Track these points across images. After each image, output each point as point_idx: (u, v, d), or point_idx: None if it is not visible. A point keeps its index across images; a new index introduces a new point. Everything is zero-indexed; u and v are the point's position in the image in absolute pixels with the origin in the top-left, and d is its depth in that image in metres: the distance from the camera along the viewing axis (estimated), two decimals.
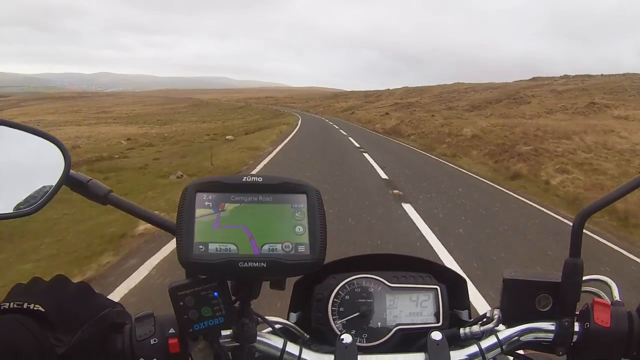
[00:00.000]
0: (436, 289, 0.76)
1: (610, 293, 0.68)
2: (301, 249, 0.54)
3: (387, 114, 38.53)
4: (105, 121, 59.16)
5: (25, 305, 0.50)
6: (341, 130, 25.39)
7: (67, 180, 0.62)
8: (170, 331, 0.56)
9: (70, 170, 0.62)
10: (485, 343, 0.64)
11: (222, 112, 72.49)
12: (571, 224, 0.64)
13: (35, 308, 0.50)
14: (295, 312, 0.79)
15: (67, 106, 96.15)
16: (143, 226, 4.86)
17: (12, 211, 0.60)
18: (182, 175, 9.37)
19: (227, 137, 21.25)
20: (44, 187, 0.61)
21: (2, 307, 0.50)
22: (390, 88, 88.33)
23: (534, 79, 55.08)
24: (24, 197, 0.60)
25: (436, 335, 0.64)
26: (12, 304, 0.50)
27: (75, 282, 0.57)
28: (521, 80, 57.78)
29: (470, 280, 3.65)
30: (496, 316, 0.68)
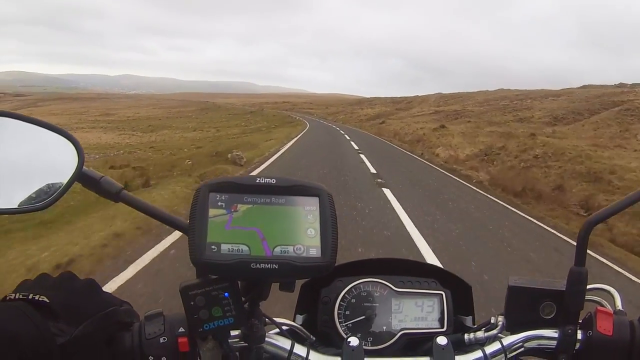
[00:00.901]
0: (441, 294, 0.76)
1: (613, 302, 0.69)
2: (312, 251, 0.54)
3: (442, 126, 26.20)
4: (95, 125, 55.24)
5: (30, 296, 0.51)
6: (374, 167, 11.98)
7: (79, 176, 0.62)
8: (179, 330, 0.56)
9: (83, 167, 0.63)
10: (489, 349, 0.65)
11: (226, 118, 64.06)
12: None
13: (40, 299, 0.51)
14: (301, 314, 0.80)
15: (79, 107, 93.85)
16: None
17: (24, 206, 0.60)
18: None
19: (187, 162, 13.90)
20: (56, 182, 0.61)
21: (7, 298, 0.51)
22: (420, 94, 78.57)
23: (620, 84, 42.88)
24: (36, 192, 0.61)
25: (442, 340, 0.66)
26: (17, 295, 0.51)
27: (82, 278, 0.57)
28: (604, 85, 45.63)
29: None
30: (500, 323, 0.69)
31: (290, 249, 0.53)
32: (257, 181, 0.56)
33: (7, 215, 0.61)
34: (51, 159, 0.64)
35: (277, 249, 0.53)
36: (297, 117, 56.05)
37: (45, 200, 0.60)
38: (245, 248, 0.52)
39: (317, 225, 0.55)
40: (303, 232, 0.54)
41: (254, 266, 0.52)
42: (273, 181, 0.56)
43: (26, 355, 0.47)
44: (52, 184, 0.61)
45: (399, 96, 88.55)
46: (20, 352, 0.46)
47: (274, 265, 0.52)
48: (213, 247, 0.52)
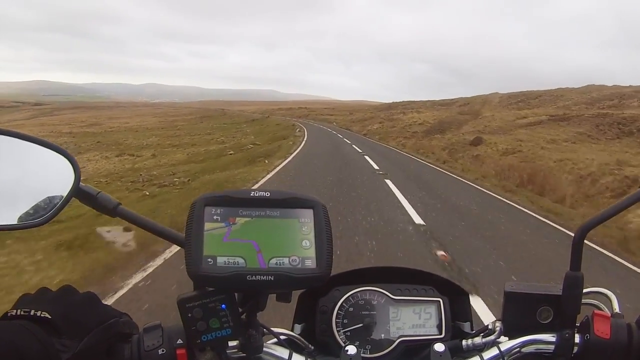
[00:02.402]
0: (439, 301, 0.77)
1: (610, 305, 0.69)
2: (308, 262, 0.55)
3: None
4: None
5: (32, 312, 0.51)
6: None
7: (77, 192, 0.64)
8: (178, 342, 0.57)
9: (80, 183, 0.64)
10: (487, 354, 0.66)
11: (215, 129, 51.04)
12: None
13: (42, 315, 0.51)
14: (299, 324, 0.81)
15: (91, 117, 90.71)
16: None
17: (21, 222, 0.61)
18: None
19: None
20: (53, 198, 0.63)
21: (9, 314, 0.52)
22: (467, 95, 62.46)
23: None
24: (34, 208, 0.62)
25: (439, 347, 0.66)
26: (19, 310, 0.52)
27: (82, 292, 0.58)
28: None
29: None
30: (498, 328, 0.70)
31: (286, 260, 0.54)
32: (252, 194, 0.57)
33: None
34: (48, 176, 0.65)
35: (273, 261, 0.54)
36: (302, 128, 39.00)
37: (44, 216, 0.61)
38: (241, 260, 0.53)
39: (312, 236, 0.56)
40: (298, 244, 0.56)
41: (250, 278, 0.52)
42: (267, 194, 0.58)
43: None
44: (49, 200, 0.62)
45: (438, 99, 70.74)
46: None
47: (270, 277, 0.53)
48: (209, 260, 0.53)
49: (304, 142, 23.62)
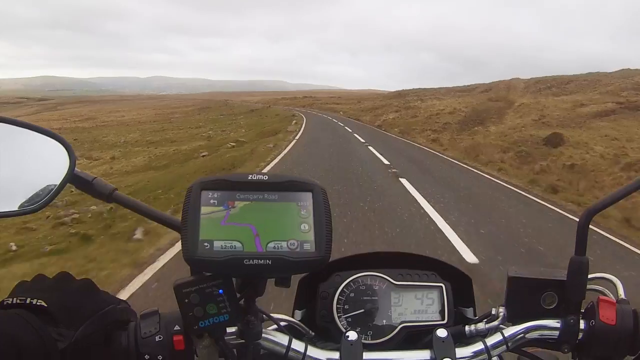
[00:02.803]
0: (441, 286, 0.77)
1: (615, 291, 0.68)
2: (307, 246, 0.54)
3: None
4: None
5: (28, 301, 0.51)
6: None
7: (72, 178, 0.63)
8: (175, 328, 0.57)
9: (75, 169, 0.63)
10: (490, 340, 0.65)
11: (207, 122, 46.53)
12: None
13: (38, 303, 0.51)
14: (300, 310, 0.80)
15: (92, 111, 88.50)
16: None
17: (16, 209, 0.61)
18: None
19: None
20: (48, 185, 0.62)
21: (5, 303, 0.51)
22: (486, 82, 53.86)
23: None
24: (28, 195, 0.61)
25: (442, 333, 0.66)
26: (15, 299, 0.51)
27: (78, 279, 0.58)
28: None
29: None
30: (501, 314, 0.69)
31: (284, 244, 0.53)
32: (250, 178, 0.56)
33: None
34: (43, 162, 0.64)
35: (271, 245, 0.53)
36: (302, 118, 33.87)
37: (39, 203, 0.61)
38: (238, 244, 0.53)
39: (311, 220, 0.55)
40: (297, 228, 0.55)
41: (247, 262, 0.52)
42: (265, 177, 0.57)
43: None
44: (44, 186, 0.62)
45: (454, 85, 64.24)
46: (24, 359, 0.47)
47: (267, 261, 0.52)
48: (206, 244, 0.52)
49: (298, 136, 18.96)
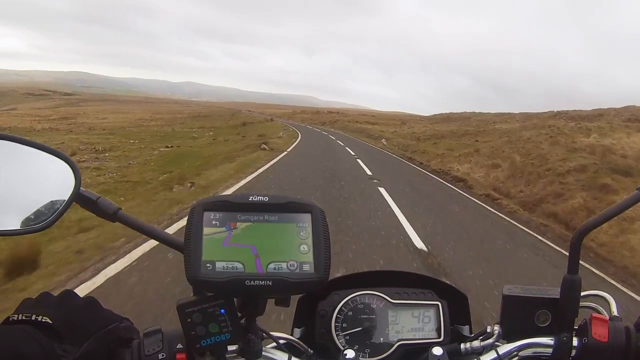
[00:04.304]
0: (437, 304, 0.78)
1: (608, 308, 0.70)
2: (306, 267, 0.56)
3: None
4: None
5: (33, 317, 0.52)
6: None
7: (77, 197, 0.64)
8: (178, 346, 0.58)
9: (80, 188, 0.65)
10: (485, 358, 0.67)
11: (180, 135, 34.71)
12: None
13: (43, 320, 0.52)
14: (299, 328, 0.82)
15: (99, 110, 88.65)
16: None
17: (23, 227, 0.62)
18: None
19: None
20: (54, 203, 0.63)
21: (10, 319, 0.53)
22: (567, 109, 40.69)
23: None
24: (35, 213, 0.62)
25: (437, 351, 0.67)
26: (20, 315, 0.53)
27: (82, 296, 0.59)
28: None
29: None
30: (496, 331, 0.71)
31: (284, 265, 0.55)
32: (250, 199, 0.58)
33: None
34: (49, 181, 0.66)
35: (271, 266, 0.55)
36: (296, 140, 23.18)
37: (45, 222, 0.62)
38: (239, 265, 0.54)
39: (310, 241, 0.57)
40: (296, 249, 0.56)
41: (248, 283, 0.53)
42: (266, 199, 0.58)
43: None
44: (51, 204, 0.63)
45: (498, 112, 51.02)
46: None
47: (268, 282, 0.53)
48: (208, 265, 0.53)
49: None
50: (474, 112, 61.06)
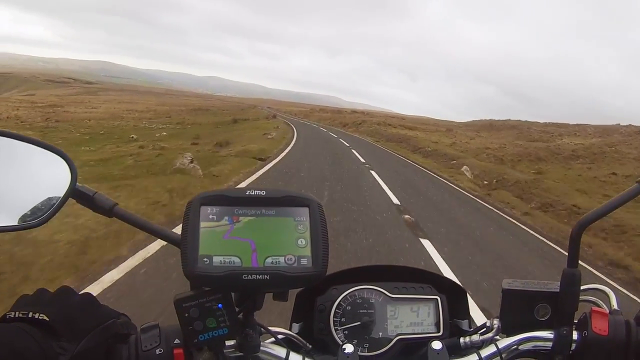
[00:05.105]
0: (436, 299, 0.78)
1: (608, 302, 0.70)
2: (304, 261, 0.55)
3: None
4: None
5: (30, 315, 0.52)
6: None
7: (73, 192, 0.64)
8: (175, 341, 0.58)
9: (77, 183, 0.65)
10: (484, 352, 0.67)
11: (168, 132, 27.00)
12: None
13: (40, 317, 0.52)
14: (297, 323, 0.81)
15: (114, 99, 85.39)
16: None
17: (19, 223, 0.62)
18: None
19: None
20: (50, 199, 0.63)
21: (7, 317, 0.52)
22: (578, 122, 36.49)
23: None
24: (31, 210, 0.62)
25: (436, 345, 0.67)
26: (17, 313, 0.52)
27: (80, 292, 0.59)
28: None
29: None
30: (496, 325, 0.71)
31: (282, 259, 0.55)
32: (247, 193, 0.57)
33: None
34: (45, 176, 0.66)
35: (269, 260, 0.54)
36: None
37: (41, 217, 0.62)
38: (237, 260, 0.54)
39: (308, 235, 0.57)
40: (294, 243, 0.56)
41: (246, 277, 0.53)
42: (263, 193, 0.58)
43: None
44: (47, 200, 0.63)
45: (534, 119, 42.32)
46: None
47: (265, 276, 0.53)
48: (205, 259, 0.53)
49: None
50: (519, 121, 52.35)
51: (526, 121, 51.00)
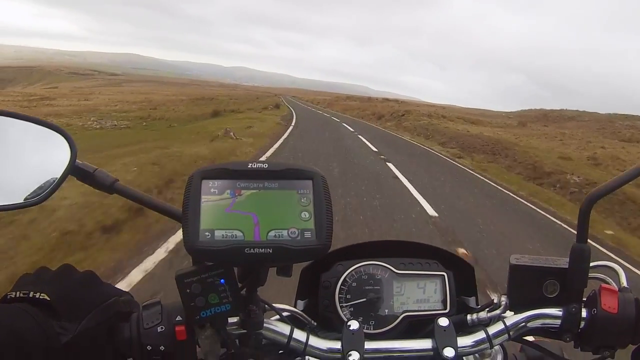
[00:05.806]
0: (443, 275, 0.77)
1: (617, 279, 0.69)
2: (307, 234, 0.54)
3: None
4: None
5: (31, 294, 0.52)
6: None
7: (73, 170, 0.64)
8: (177, 318, 0.57)
9: (77, 160, 0.64)
10: (492, 329, 0.66)
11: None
12: None
13: (40, 297, 0.51)
14: (302, 300, 0.81)
15: (125, 91, 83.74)
16: None
17: (20, 201, 0.62)
18: None
19: None
20: (50, 177, 0.63)
21: (8, 297, 0.52)
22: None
23: None
24: (31, 188, 0.62)
25: (443, 322, 0.66)
26: (18, 293, 0.52)
27: (81, 271, 0.59)
28: None
29: None
30: (503, 302, 0.70)
31: (285, 232, 0.53)
32: (250, 166, 0.56)
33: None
34: (44, 154, 0.66)
35: (272, 233, 0.53)
36: None
37: (40, 195, 0.62)
38: (239, 233, 0.53)
39: (312, 208, 0.55)
40: (297, 216, 0.55)
41: (248, 251, 0.52)
42: (265, 166, 0.57)
43: (32, 355, 0.48)
44: (47, 178, 0.62)
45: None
46: (26, 353, 0.47)
47: (268, 249, 0.52)
48: (207, 233, 0.52)
49: None
50: (577, 111, 44.18)
51: (584, 111, 42.93)
